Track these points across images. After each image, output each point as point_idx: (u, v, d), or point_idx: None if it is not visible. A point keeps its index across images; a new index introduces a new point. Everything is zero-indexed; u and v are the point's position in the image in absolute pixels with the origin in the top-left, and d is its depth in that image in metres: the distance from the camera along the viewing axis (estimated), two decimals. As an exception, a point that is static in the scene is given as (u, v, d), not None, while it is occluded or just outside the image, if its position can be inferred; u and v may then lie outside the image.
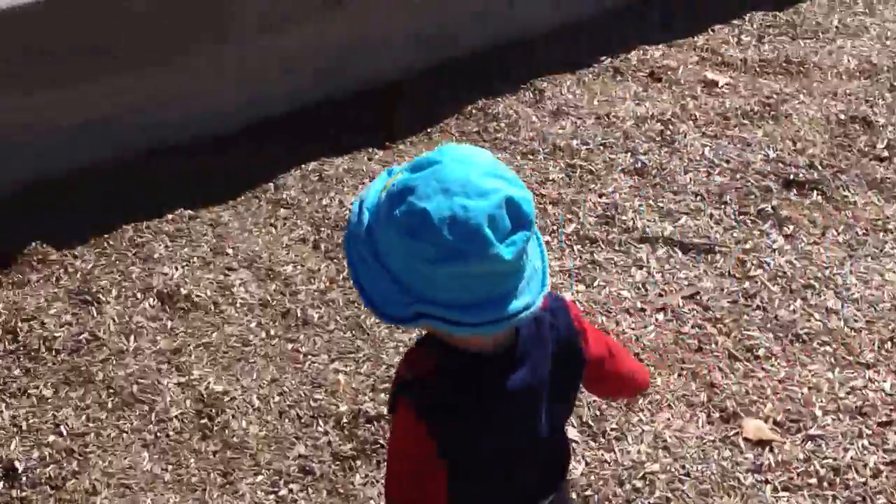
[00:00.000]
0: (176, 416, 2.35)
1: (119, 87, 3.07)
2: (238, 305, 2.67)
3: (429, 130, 3.40)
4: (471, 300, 1.17)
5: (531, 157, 3.20)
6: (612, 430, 2.24)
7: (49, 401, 2.40)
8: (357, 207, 1.25)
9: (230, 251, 2.88)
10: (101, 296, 2.69)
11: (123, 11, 2.98)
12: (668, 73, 3.64)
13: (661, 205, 2.94)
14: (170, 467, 2.23)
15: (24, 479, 2.20)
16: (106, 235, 2.93)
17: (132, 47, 3.02)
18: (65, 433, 2.31)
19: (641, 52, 3.77)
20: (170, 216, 3.02)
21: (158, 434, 2.31)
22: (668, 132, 3.26)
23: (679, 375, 2.39)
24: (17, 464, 2.22)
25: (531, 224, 1.19)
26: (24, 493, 2.17)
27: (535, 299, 1.22)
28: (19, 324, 2.60)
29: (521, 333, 1.30)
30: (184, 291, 2.70)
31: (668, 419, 2.27)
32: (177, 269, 2.80)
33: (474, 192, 1.15)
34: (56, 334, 2.57)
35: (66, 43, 2.91)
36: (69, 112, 3.03)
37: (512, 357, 1.29)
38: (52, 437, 2.30)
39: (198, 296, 2.69)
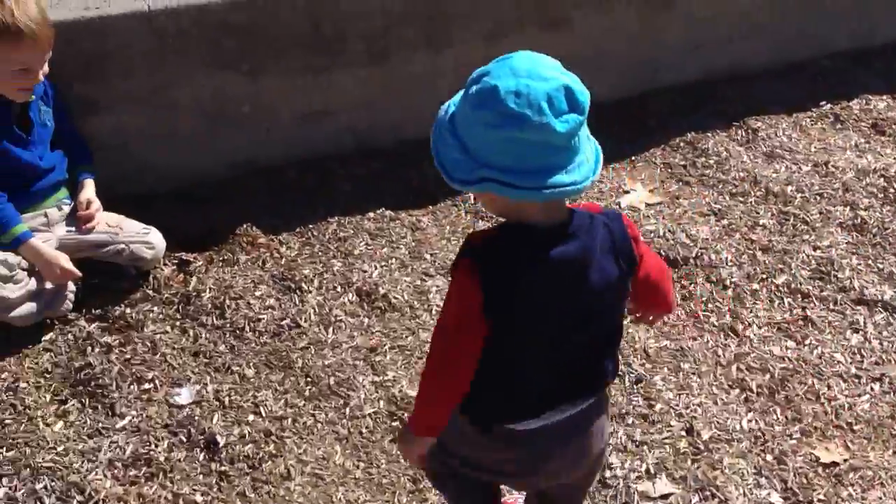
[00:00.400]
0: (369, 415, 2.38)
1: (338, 85, 3.14)
2: (433, 312, 2.69)
3: (633, 158, 3.34)
4: (525, 167, 1.42)
5: (741, 198, 3.09)
6: (818, 500, 2.12)
7: (251, 380, 2.47)
8: (447, 104, 1.53)
9: (428, 256, 2.91)
10: (303, 284, 2.76)
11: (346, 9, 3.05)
12: (893, 126, 3.45)
13: (880, 266, 2.78)
14: (361, 465, 2.26)
15: (223, 453, 2.27)
16: (310, 226, 3.01)
17: (353, 47, 3.09)
18: (264, 414, 2.38)
19: (864, 101, 3.60)
20: (371, 214, 3.07)
21: (352, 430, 2.34)
22: (893, 189, 3.08)
23: (894, 452, 2.24)
24: (218, 438, 2.30)
25: (584, 111, 1.43)
26: (223, 468, 2.24)
27: (583, 181, 1.45)
28: (227, 301, 2.70)
29: (574, 219, 1.51)
30: (382, 291, 2.74)
31: (881, 498, 2.14)
32: (376, 267, 2.85)
33: (538, 76, 1.41)
34: (260, 316, 2.65)
35: (293, 35, 3.01)
36: (290, 103, 3.12)
37: (562, 233, 1.49)
38: (251, 417, 2.37)
39: (395, 297, 2.73)
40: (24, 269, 2.55)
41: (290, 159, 3.22)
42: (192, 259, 2.87)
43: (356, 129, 3.27)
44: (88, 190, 2.75)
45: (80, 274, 2.62)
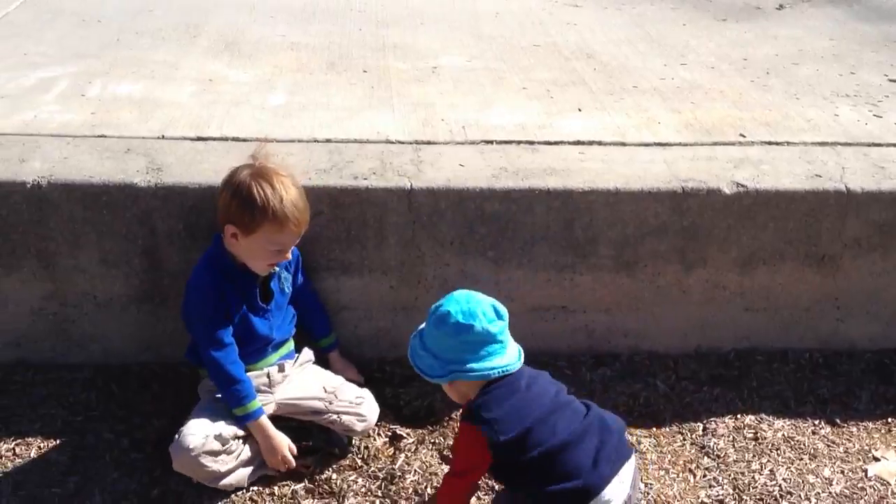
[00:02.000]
0: None
1: (582, 285, 3.11)
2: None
3: (889, 420, 3.01)
4: (477, 358, 2.33)
5: None
6: None
7: (433, 585, 2.39)
8: (416, 331, 2.47)
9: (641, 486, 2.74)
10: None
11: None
12: None
13: None
14: None
15: None
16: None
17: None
18: None
19: None
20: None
21: None
22: None
23: None
24: None
25: (505, 319, 2.37)
26: None
27: (514, 363, 2.38)
28: (429, 489, 2.67)
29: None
30: None
31: None
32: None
33: (473, 301, 2.36)
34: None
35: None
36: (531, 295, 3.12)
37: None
38: None
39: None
40: (239, 438, 2.63)
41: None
42: (404, 434, 2.87)
43: (593, 331, 3.20)
44: (338, 366, 2.94)
45: (294, 465, 2.69)
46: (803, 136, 3.42)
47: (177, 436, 2.56)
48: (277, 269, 2.74)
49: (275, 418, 2.72)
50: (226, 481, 2.61)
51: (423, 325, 2.43)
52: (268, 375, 2.75)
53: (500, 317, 2.35)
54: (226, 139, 3.22)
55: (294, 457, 2.70)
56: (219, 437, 2.57)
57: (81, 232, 2.90)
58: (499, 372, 2.32)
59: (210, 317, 2.61)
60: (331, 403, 2.77)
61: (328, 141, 3.24)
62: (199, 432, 2.55)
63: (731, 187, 3.01)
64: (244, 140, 3.22)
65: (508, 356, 2.35)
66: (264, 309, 2.72)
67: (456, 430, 2.89)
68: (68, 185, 2.85)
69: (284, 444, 2.67)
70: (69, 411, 2.94)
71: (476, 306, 2.32)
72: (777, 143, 3.36)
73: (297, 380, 2.83)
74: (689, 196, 2.99)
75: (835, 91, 3.98)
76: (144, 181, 2.86)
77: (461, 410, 2.45)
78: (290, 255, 2.65)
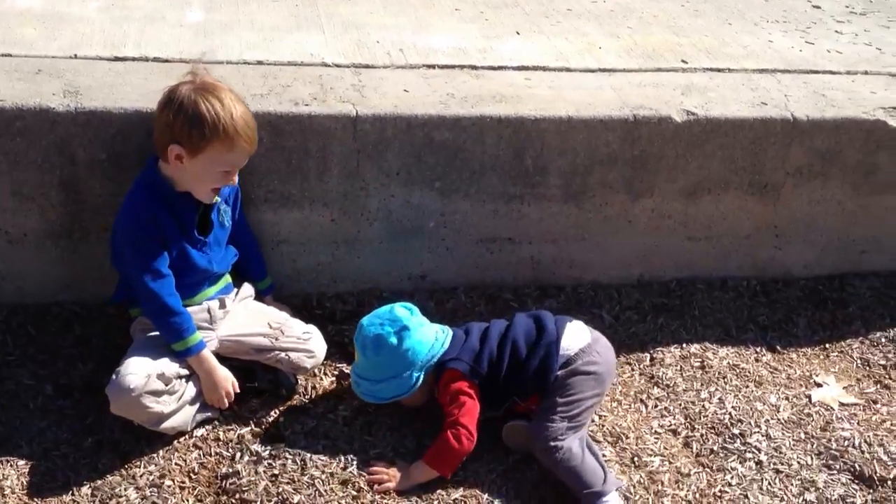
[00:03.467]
0: None
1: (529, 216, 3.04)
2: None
3: (826, 346, 3.09)
4: (424, 346, 2.55)
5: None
6: None
7: (398, 528, 2.32)
8: (354, 383, 2.63)
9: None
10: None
11: None
12: None
13: None
14: None
15: None
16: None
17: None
18: None
19: None
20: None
21: None
22: None
23: None
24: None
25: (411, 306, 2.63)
26: None
27: (442, 326, 2.67)
28: (385, 430, 2.59)
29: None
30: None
31: None
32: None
33: (382, 313, 2.59)
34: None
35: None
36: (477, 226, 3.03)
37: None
38: (394, 572, 2.20)
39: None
40: (182, 377, 2.47)
41: (464, 282, 3.10)
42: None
43: (538, 262, 3.14)
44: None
45: (233, 400, 2.55)
46: (744, 63, 3.40)
47: (114, 376, 2.37)
48: (218, 199, 2.55)
49: (218, 357, 2.56)
50: (168, 424, 2.45)
51: (358, 376, 2.58)
52: (208, 311, 2.58)
53: (406, 308, 2.60)
54: (146, 59, 2.97)
55: (237, 395, 2.56)
56: (161, 377, 2.40)
57: (-9, 161, 2.62)
58: (443, 337, 2.60)
59: (145, 244, 2.41)
60: (277, 339, 2.62)
61: (260, 63, 3.03)
62: (140, 371, 2.36)
63: (681, 115, 2.96)
64: (166, 61, 2.98)
65: (434, 325, 2.64)
66: (202, 241, 2.53)
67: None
68: (-26, 109, 2.56)
69: (228, 379, 2.52)
70: (-18, 356, 2.71)
71: (388, 313, 2.57)
72: (719, 70, 3.33)
73: (240, 315, 2.66)
74: (640, 124, 2.93)
75: (763, 17, 3.98)
76: (62, 105, 2.60)
77: (439, 387, 2.56)
78: (236, 180, 2.46)
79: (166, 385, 2.41)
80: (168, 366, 2.43)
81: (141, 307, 2.50)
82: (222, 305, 2.61)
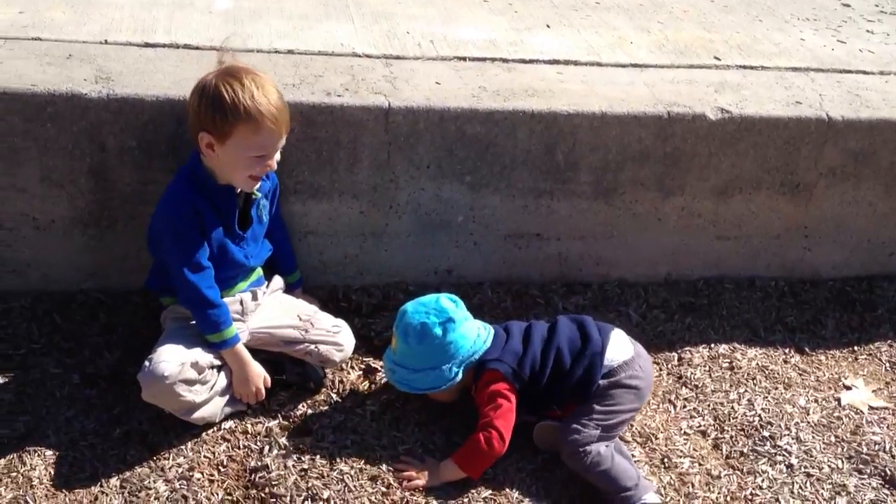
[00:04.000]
0: None
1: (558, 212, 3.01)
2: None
3: (855, 349, 3.06)
4: (466, 340, 2.50)
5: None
6: None
7: (428, 526, 2.31)
8: (389, 370, 2.58)
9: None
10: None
11: None
12: None
13: None
14: None
15: None
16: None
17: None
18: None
19: None
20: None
21: None
22: None
23: None
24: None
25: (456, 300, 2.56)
26: None
27: (484, 323, 2.60)
28: (412, 427, 2.57)
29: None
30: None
31: None
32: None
33: (429, 302, 2.54)
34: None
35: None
36: (505, 221, 3.01)
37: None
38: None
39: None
40: (214, 367, 2.46)
41: (491, 277, 3.08)
42: (378, 367, 2.74)
43: (566, 259, 3.11)
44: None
45: (263, 397, 2.55)
46: (776, 61, 3.37)
47: (147, 363, 2.35)
48: (259, 194, 2.52)
49: (248, 349, 2.54)
50: (198, 414, 2.43)
51: (394, 363, 2.53)
52: (241, 302, 2.55)
53: (452, 300, 2.54)
54: (177, 46, 2.94)
55: (267, 391, 2.54)
56: (195, 366, 2.38)
57: (21, 146, 2.60)
58: (486, 335, 2.56)
59: (185, 235, 2.37)
60: (307, 332, 2.60)
61: (290, 52, 3.00)
62: (174, 359, 2.34)
63: (715, 113, 2.93)
64: (197, 48, 2.95)
65: (476, 320, 2.59)
66: (241, 236, 2.51)
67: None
68: (7, 93, 2.53)
69: (261, 375, 2.51)
70: (8, 344, 2.68)
71: (435, 303, 2.51)
72: (752, 68, 3.29)
73: (270, 307, 2.64)
74: (673, 121, 2.90)
75: (793, 14, 3.94)
76: (94, 91, 2.57)
77: (477, 386, 2.50)
78: (274, 164, 2.41)
79: (199, 374, 2.39)
80: (202, 355, 2.41)
81: (178, 297, 2.48)
82: (254, 297, 2.59)
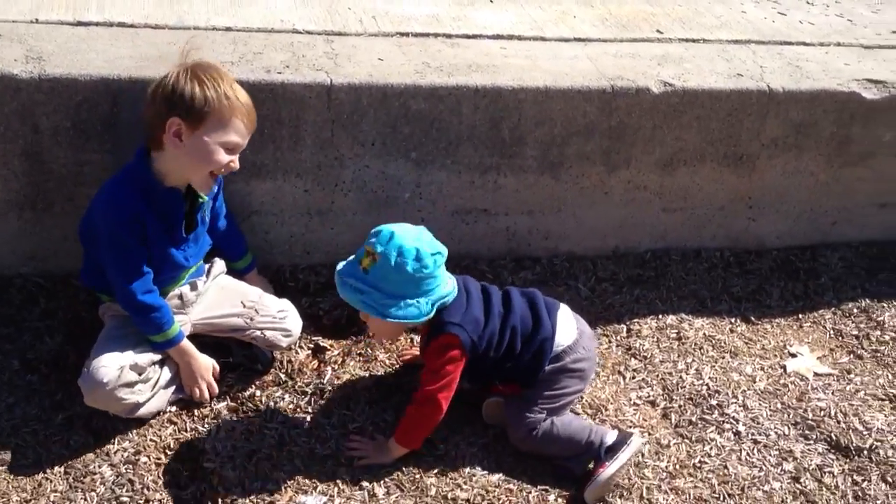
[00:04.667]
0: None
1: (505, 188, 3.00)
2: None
3: (800, 316, 3.11)
4: (442, 283, 2.36)
5: (919, 386, 2.83)
6: None
7: (380, 500, 2.29)
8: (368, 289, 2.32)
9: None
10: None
11: None
12: None
13: None
14: None
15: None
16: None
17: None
18: (391, 547, 2.18)
19: None
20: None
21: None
22: None
23: None
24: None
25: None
26: None
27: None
28: (362, 406, 2.55)
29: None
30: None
31: None
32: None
33: (422, 231, 2.37)
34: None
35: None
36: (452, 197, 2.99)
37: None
38: (377, 548, 2.18)
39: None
40: (155, 363, 2.40)
41: (440, 254, 3.06)
42: (328, 346, 2.72)
43: (514, 234, 3.11)
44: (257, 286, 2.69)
45: (217, 391, 2.50)
46: (718, 34, 3.39)
47: (85, 369, 2.30)
48: (207, 198, 2.45)
49: (191, 336, 2.50)
50: (144, 410, 2.39)
51: (366, 283, 2.29)
52: (180, 297, 2.50)
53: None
54: (110, 24, 2.87)
55: (216, 380, 2.51)
56: (135, 367, 2.32)
57: (-50, 129, 2.52)
58: (452, 287, 2.40)
59: (125, 242, 2.28)
60: (252, 320, 2.56)
61: (228, 29, 2.94)
62: (113, 364, 2.29)
63: (658, 86, 2.94)
64: (131, 26, 2.88)
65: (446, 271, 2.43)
66: (185, 239, 2.44)
67: (381, 341, 2.77)
68: (-68, 74, 2.45)
69: (209, 366, 2.47)
70: (-57, 330, 2.62)
71: (429, 238, 2.35)
72: (694, 41, 3.31)
73: (212, 296, 2.59)
74: (617, 95, 2.90)
75: (735, -13, 3.96)
76: (25, 72, 2.50)
77: (430, 343, 2.37)
78: (237, 164, 2.35)
79: (140, 375, 2.34)
80: (141, 356, 2.36)
81: (117, 300, 2.40)
82: (193, 288, 2.53)
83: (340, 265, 2.37)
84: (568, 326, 2.50)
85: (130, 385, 2.31)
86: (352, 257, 2.37)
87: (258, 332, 2.56)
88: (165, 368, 2.43)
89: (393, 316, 2.27)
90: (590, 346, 2.53)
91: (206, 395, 2.48)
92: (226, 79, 2.28)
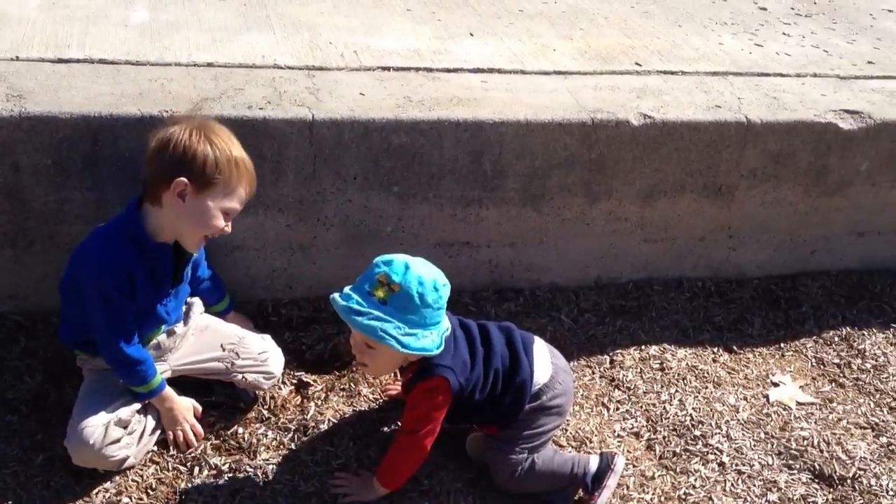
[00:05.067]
0: None
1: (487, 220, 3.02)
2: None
3: (781, 345, 3.12)
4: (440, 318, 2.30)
5: (900, 414, 2.85)
6: None
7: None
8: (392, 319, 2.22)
9: (557, 421, 2.71)
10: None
11: None
12: None
13: None
14: None
15: None
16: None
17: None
18: None
19: None
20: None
21: None
22: None
23: None
24: None
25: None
26: None
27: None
28: (347, 442, 2.53)
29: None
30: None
31: None
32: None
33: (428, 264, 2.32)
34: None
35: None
36: (434, 230, 2.99)
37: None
38: None
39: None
40: (139, 412, 2.38)
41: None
42: (311, 382, 2.71)
43: (496, 266, 3.11)
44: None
45: (202, 434, 2.48)
46: (696, 66, 3.43)
47: (69, 429, 2.29)
48: (197, 254, 2.45)
49: (172, 379, 2.48)
50: (132, 461, 2.37)
51: (384, 314, 2.18)
52: (158, 346, 2.47)
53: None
54: (91, 61, 2.87)
55: (197, 419, 2.49)
56: (119, 422, 2.30)
57: (-71, 168, 2.51)
58: (447, 326, 2.36)
59: (116, 301, 2.25)
60: (233, 364, 2.54)
61: (210, 65, 2.94)
62: (98, 423, 2.27)
63: (638, 118, 2.96)
64: (112, 63, 2.88)
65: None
66: (167, 294, 2.42)
67: (365, 376, 2.76)
68: (-87, 114, 2.44)
69: (190, 407, 2.45)
70: (-79, 371, 2.59)
71: (428, 266, 2.31)
72: (672, 73, 3.34)
73: (192, 341, 2.57)
74: (598, 127, 2.92)
75: (711, 18, 4.01)
76: (6, 110, 2.49)
77: (417, 385, 2.30)
78: (230, 228, 2.34)
79: (125, 428, 2.32)
80: (124, 410, 2.34)
81: (101, 355, 2.36)
82: (171, 335, 2.50)
83: (342, 296, 2.24)
84: (543, 362, 2.46)
85: (117, 441, 2.29)
86: (349, 288, 2.26)
87: (240, 376, 2.54)
88: (149, 416, 2.41)
89: (412, 347, 2.19)
90: (566, 380, 2.49)
91: (192, 438, 2.45)
92: (235, 144, 2.29)
